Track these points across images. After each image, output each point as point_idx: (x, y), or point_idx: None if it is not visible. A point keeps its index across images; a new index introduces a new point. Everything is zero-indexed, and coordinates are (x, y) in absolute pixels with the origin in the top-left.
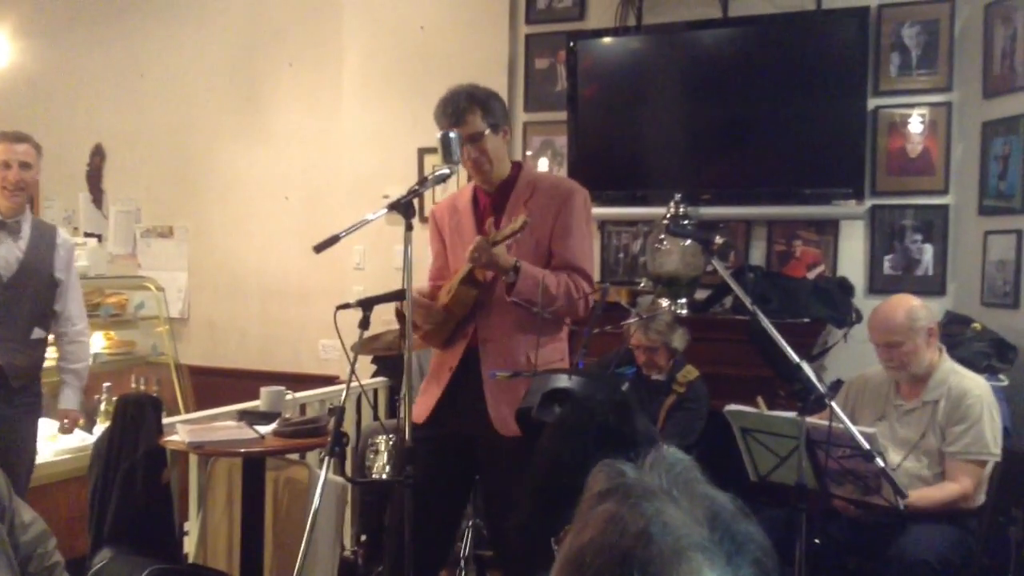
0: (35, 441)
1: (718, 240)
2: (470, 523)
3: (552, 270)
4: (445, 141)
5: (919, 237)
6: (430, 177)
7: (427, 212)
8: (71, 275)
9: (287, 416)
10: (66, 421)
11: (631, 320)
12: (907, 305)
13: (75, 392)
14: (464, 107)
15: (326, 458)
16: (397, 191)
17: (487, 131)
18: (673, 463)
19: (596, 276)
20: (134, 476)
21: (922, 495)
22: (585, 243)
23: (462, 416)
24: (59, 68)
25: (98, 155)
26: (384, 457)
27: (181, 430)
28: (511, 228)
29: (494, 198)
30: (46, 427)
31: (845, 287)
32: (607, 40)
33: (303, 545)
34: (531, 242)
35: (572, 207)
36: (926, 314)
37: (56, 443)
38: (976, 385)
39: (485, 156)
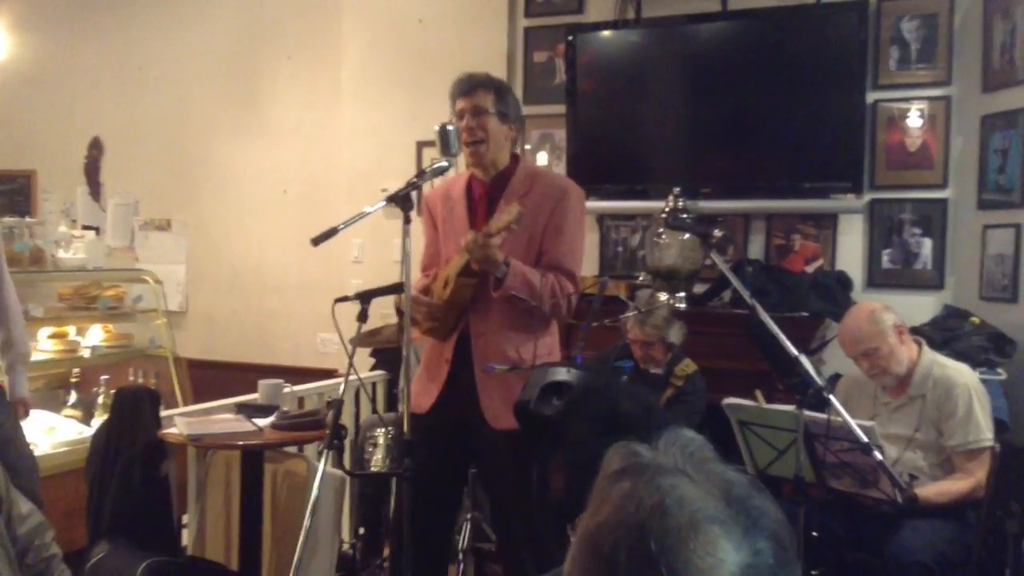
0: (19, 428)
1: (717, 234)
2: (468, 516)
3: (540, 268)
4: (443, 134)
5: (918, 231)
6: (428, 170)
7: None
8: (3, 260)
9: (285, 409)
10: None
11: (628, 314)
12: (867, 311)
13: (25, 378)
14: (480, 83)
15: (324, 451)
16: (395, 184)
17: (494, 113)
18: (686, 443)
19: (595, 270)
20: (132, 469)
21: (940, 491)
22: (576, 244)
23: (458, 406)
24: (57, 61)
25: (96, 148)
26: (383, 450)
27: (179, 423)
28: (506, 219)
29: (490, 189)
30: (44, 420)
31: (844, 281)
32: (606, 33)
33: (301, 538)
34: (524, 237)
35: (567, 206)
36: (888, 314)
37: (54, 436)
38: (960, 373)
39: (482, 130)
